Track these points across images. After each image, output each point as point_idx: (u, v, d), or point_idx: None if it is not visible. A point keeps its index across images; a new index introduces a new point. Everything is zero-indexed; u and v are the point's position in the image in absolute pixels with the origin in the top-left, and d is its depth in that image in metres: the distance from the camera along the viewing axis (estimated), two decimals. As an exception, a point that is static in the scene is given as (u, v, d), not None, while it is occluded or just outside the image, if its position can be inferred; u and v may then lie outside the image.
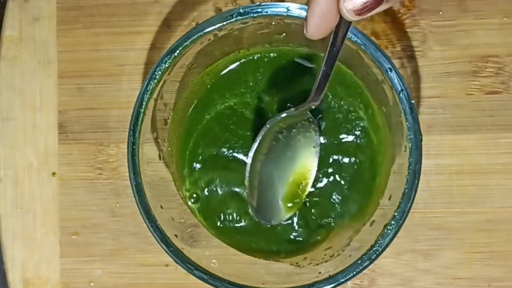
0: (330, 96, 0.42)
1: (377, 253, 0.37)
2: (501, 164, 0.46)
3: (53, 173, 0.48)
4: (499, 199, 0.46)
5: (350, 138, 0.42)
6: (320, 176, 0.42)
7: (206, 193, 0.43)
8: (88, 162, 0.48)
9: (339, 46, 0.33)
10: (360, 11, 0.29)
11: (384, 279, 0.46)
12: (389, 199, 0.40)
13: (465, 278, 0.46)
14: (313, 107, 0.38)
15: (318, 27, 0.31)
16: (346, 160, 0.42)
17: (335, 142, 0.42)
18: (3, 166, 0.48)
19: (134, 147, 0.38)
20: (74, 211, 0.48)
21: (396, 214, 0.37)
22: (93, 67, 0.48)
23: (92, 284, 0.47)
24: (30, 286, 0.48)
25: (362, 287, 0.46)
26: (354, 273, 0.37)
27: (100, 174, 0.48)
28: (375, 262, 0.37)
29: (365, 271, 0.37)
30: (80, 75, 0.48)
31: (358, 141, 0.42)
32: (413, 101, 0.37)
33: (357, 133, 0.42)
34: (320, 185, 0.42)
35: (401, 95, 0.37)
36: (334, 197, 0.42)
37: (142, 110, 0.38)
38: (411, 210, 0.37)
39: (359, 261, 0.37)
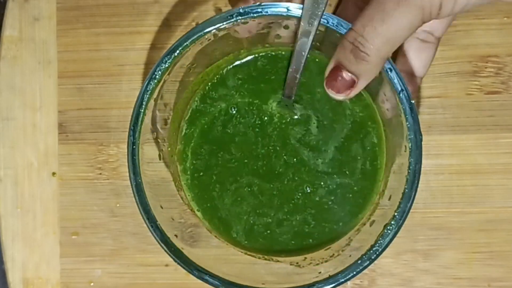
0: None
1: (377, 253, 0.37)
2: (501, 164, 0.46)
3: (53, 173, 0.48)
4: (499, 199, 0.46)
5: (350, 138, 0.42)
6: (320, 175, 0.42)
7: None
8: (88, 162, 0.48)
9: (302, 54, 0.37)
10: (341, 92, 0.36)
11: (384, 279, 0.46)
12: (389, 199, 0.40)
13: (465, 278, 0.46)
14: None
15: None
16: (345, 160, 0.42)
17: (335, 142, 0.42)
18: (3, 166, 0.48)
19: (134, 147, 0.38)
20: (74, 211, 0.48)
21: (396, 214, 0.37)
22: (93, 67, 0.48)
23: (92, 284, 0.47)
24: (30, 286, 0.48)
25: (362, 287, 0.46)
26: (354, 273, 0.37)
27: (100, 174, 0.48)
28: (375, 262, 0.37)
29: (365, 271, 0.37)
30: (80, 75, 0.48)
31: (358, 142, 0.42)
32: (413, 101, 0.37)
33: (357, 133, 0.42)
34: (320, 185, 0.42)
35: (401, 95, 0.37)
36: (334, 197, 0.42)
37: (142, 110, 0.38)
38: (411, 210, 0.37)
39: (359, 261, 0.37)
